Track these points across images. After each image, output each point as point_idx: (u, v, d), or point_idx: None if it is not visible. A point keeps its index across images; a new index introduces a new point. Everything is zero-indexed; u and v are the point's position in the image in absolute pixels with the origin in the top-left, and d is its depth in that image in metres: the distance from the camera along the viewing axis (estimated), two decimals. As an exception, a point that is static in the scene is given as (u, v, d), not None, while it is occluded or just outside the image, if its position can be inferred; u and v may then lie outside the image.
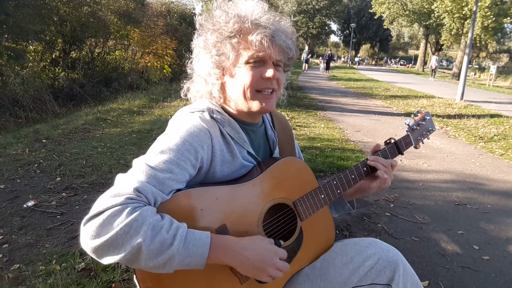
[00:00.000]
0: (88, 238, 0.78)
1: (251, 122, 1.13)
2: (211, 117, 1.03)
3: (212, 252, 0.86)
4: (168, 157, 0.90)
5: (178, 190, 0.92)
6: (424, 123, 1.29)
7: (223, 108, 1.09)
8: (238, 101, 1.05)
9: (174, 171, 0.90)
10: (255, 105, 1.04)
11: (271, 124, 1.25)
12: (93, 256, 0.80)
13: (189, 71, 1.12)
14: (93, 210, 0.79)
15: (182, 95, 1.15)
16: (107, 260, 0.79)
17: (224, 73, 1.05)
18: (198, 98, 1.12)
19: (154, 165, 0.88)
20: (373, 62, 59.71)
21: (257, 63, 1.01)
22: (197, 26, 1.06)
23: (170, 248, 0.80)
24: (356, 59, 46.33)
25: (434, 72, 22.23)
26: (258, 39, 0.97)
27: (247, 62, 1.00)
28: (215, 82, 1.05)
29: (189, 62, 1.12)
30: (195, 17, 1.08)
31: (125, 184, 0.84)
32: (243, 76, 1.01)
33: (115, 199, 0.80)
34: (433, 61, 22.66)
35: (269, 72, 1.00)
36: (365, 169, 1.20)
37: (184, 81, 1.15)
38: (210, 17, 1.03)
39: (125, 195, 0.81)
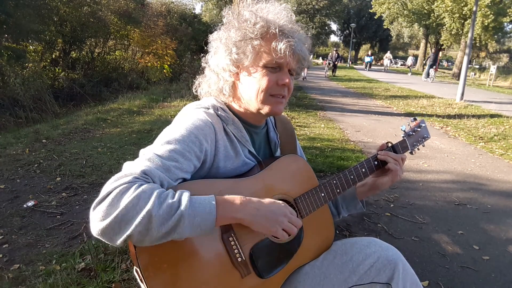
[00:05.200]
0: (98, 220, 0.78)
1: (254, 124, 1.15)
2: (216, 114, 1.05)
3: (221, 209, 0.87)
4: (173, 147, 0.92)
5: (183, 181, 0.94)
6: (419, 129, 1.31)
7: (229, 106, 1.11)
8: (250, 102, 1.07)
9: (179, 160, 0.92)
10: (266, 108, 1.06)
11: (273, 125, 1.27)
12: (105, 240, 0.79)
13: (203, 64, 1.13)
14: (101, 193, 0.80)
15: (193, 90, 1.17)
16: (119, 240, 0.79)
17: (239, 72, 1.06)
18: (207, 94, 1.14)
19: (160, 154, 0.90)
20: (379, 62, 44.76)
21: (274, 68, 1.03)
22: (224, 21, 1.08)
23: (179, 209, 0.81)
24: (367, 59, 29.77)
25: (410, 69, 28.36)
26: (282, 47, 1.00)
27: (265, 66, 1.02)
28: (228, 79, 1.07)
29: (204, 55, 1.13)
30: (223, 11, 1.08)
31: (132, 167, 0.86)
32: (259, 79, 1.03)
33: (123, 179, 0.81)
34: (408, 60, 29.45)
35: (285, 79, 1.04)
36: (375, 163, 1.22)
37: (197, 76, 1.16)
38: (238, 16, 1.05)
39: (133, 175, 0.83)
